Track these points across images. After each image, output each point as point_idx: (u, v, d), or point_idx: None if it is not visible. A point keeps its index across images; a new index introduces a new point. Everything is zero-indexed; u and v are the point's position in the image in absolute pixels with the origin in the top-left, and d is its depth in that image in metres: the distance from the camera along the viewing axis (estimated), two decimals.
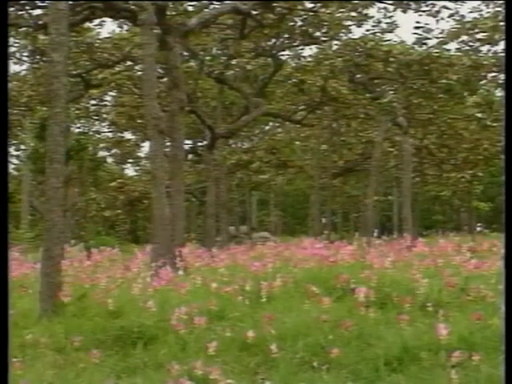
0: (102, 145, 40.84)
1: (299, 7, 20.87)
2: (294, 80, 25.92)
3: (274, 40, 23.70)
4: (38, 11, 17.74)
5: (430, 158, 33.46)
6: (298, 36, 23.09)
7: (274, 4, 19.28)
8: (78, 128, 34.78)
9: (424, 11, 21.08)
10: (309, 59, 26.01)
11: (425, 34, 23.74)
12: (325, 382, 5.94)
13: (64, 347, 7.09)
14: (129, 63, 24.05)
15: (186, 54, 22.06)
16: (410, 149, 26.58)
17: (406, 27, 38.43)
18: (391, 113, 25.61)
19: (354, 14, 22.78)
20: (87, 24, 20.40)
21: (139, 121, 30.64)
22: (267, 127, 37.74)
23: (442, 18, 25.82)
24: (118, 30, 24.00)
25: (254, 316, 7.76)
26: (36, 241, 23.35)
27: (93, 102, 31.97)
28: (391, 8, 22.24)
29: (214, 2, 18.86)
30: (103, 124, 37.47)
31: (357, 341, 6.78)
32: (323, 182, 34.96)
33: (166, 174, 13.15)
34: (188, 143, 36.23)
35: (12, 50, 22.94)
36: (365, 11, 22.84)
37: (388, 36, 29.92)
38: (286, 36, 23.35)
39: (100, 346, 7.01)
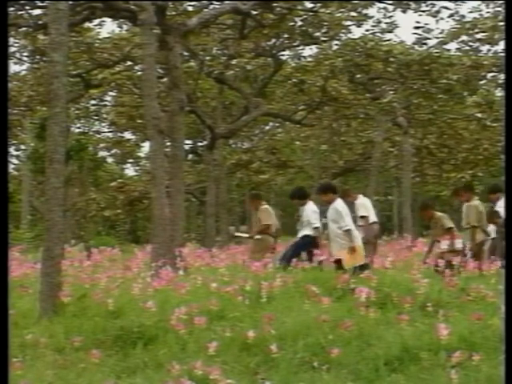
0: (102, 145, 40.87)
1: (299, 7, 20.86)
2: (294, 80, 25.91)
3: (274, 40, 23.70)
4: (38, 11, 17.72)
5: (430, 157, 33.45)
6: (297, 36, 23.08)
7: (274, 4, 19.26)
8: (78, 128, 34.88)
9: (424, 11, 21.09)
10: (309, 59, 26.03)
11: (425, 34, 23.80)
12: (325, 382, 5.94)
13: (64, 347, 7.08)
14: (129, 63, 24.03)
15: (186, 54, 22.05)
16: (410, 149, 26.61)
17: (406, 27, 38.46)
18: (391, 113, 25.65)
19: (353, 14, 22.80)
20: (87, 24, 20.39)
21: (139, 121, 30.63)
22: (267, 127, 37.73)
23: (442, 18, 25.95)
24: (117, 29, 24.07)
25: (254, 316, 7.75)
26: (36, 241, 23.35)
27: (93, 102, 31.98)
28: (391, 8, 22.26)
29: (214, 2, 18.84)
30: (103, 124, 37.52)
31: (357, 341, 6.77)
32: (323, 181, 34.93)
33: (165, 174, 13.11)
34: (188, 143, 36.30)
35: (12, 50, 22.90)
36: (365, 11, 22.86)
37: (388, 36, 29.97)
38: (286, 36, 23.34)
39: (100, 346, 7.00)
